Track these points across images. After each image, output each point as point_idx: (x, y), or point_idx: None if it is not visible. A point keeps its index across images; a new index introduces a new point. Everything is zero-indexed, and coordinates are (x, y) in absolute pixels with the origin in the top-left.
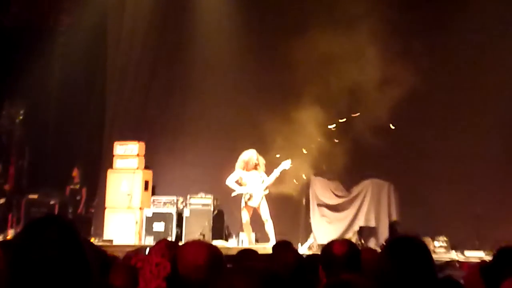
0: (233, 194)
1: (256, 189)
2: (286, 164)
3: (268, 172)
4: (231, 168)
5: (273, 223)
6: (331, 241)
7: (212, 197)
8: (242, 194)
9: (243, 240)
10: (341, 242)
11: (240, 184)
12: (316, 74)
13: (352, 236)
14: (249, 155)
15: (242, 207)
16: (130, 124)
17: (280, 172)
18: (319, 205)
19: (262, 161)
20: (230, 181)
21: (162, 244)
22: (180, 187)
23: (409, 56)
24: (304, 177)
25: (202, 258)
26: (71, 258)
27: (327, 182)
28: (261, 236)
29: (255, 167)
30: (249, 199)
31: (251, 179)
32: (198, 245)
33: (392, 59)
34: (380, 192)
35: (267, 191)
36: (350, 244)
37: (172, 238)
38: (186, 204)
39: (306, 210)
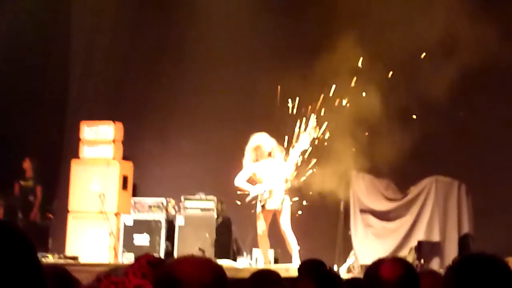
0: (248, 198)
1: (276, 183)
2: (304, 142)
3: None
4: (241, 158)
5: (300, 236)
6: (378, 261)
7: (215, 200)
8: (257, 195)
9: (257, 258)
10: (392, 263)
11: (254, 183)
12: (355, 27)
13: (408, 254)
14: (259, 140)
15: (258, 212)
16: (103, 99)
17: (301, 156)
18: (362, 211)
19: (277, 146)
20: (240, 181)
21: (143, 261)
22: (172, 185)
23: (489, 11)
24: (343, 173)
25: (207, 275)
26: (24, 283)
27: (374, 180)
28: (283, 254)
29: (270, 155)
30: (267, 199)
31: (267, 170)
32: (197, 259)
33: (466, 12)
34: (447, 194)
35: (288, 184)
36: (405, 265)
37: (160, 255)
38: (179, 209)
39: (345, 219)
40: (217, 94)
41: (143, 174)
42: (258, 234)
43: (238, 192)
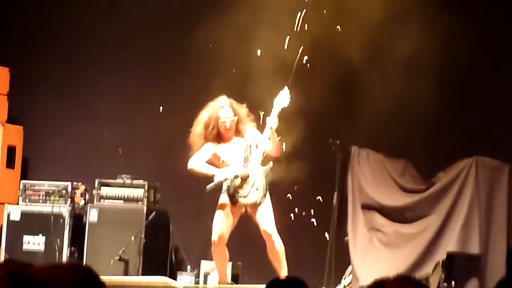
0: (211, 185)
1: (253, 167)
2: (283, 98)
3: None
4: (188, 126)
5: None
6: (380, 282)
7: (146, 186)
8: (223, 182)
9: (208, 275)
10: (400, 284)
11: (216, 166)
12: None
13: (432, 273)
14: (213, 109)
15: (218, 208)
16: None
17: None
18: (366, 207)
19: (244, 114)
20: (196, 162)
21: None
22: (82, 163)
23: None
24: (335, 147)
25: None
26: None
27: (384, 161)
28: (246, 268)
29: (238, 131)
30: (239, 192)
31: (235, 153)
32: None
33: None
34: (492, 184)
35: (269, 165)
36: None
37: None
38: (91, 198)
39: (339, 218)
40: (153, 23)
41: (39, 145)
42: (213, 239)
43: (209, 187)
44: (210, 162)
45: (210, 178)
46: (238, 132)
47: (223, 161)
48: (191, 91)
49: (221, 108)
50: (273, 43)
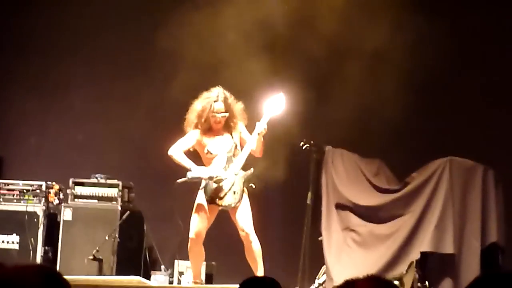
0: (180, 180)
1: (234, 169)
2: (277, 105)
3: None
4: (168, 128)
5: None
6: (350, 282)
7: (121, 185)
8: (199, 180)
9: (182, 274)
10: (369, 284)
11: (199, 154)
12: None
13: (406, 273)
14: (207, 101)
15: (195, 205)
16: None
17: (266, 125)
18: (340, 206)
19: (238, 110)
20: (176, 151)
21: None
22: (56, 162)
23: None
24: (308, 147)
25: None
26: None
27: (358, 161)
28: (221, 268)
29: (228, 126)
30: (215, 193)
31: (220, 148)
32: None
33: None
34: (466, 184)
35: (250, 171)
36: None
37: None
38: (66, 197)
39: (313, 218)
40: (125, 18)
41: (13, 144)
42: (191, 236)
43: (179, 180)
44: (193, 149)
45: (184, 171)
46: (228, 127)
47: (207, 151)
48: (166, 89)
49: (214, 102)
50: (242, 39)
